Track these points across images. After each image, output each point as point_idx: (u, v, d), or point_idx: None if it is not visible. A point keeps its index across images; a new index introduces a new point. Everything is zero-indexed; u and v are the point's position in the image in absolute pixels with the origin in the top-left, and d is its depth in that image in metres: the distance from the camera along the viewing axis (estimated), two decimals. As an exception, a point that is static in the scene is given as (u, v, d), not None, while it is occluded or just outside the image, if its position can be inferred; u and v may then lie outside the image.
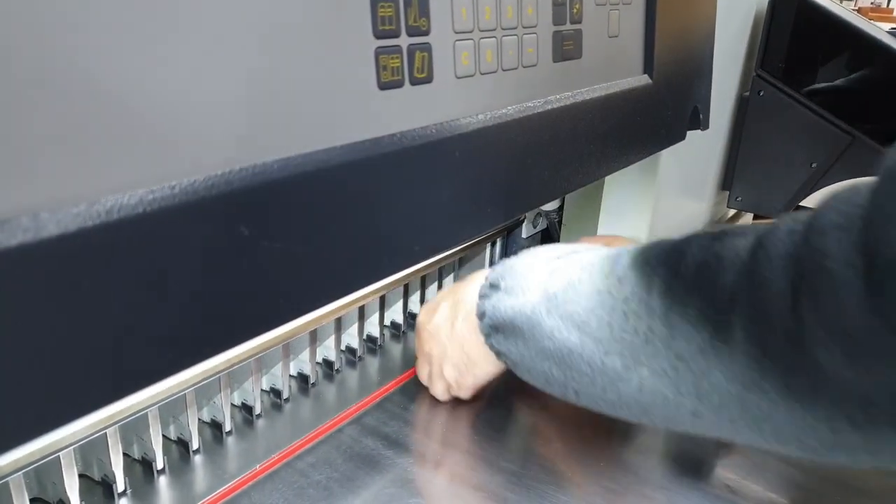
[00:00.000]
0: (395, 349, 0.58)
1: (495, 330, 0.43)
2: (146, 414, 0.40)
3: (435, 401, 0.50)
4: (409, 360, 0.56)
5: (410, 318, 0.60)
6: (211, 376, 0.41)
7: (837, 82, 0.76)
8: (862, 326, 0.25)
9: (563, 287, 0.39)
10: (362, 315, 0.55)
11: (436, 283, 0.62)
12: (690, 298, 0.32)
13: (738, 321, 0.30)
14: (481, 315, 0.44)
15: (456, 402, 0.51)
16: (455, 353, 0.47)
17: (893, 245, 0.23)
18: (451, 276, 0.64)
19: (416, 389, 0.52)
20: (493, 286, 0.44)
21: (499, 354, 0.44)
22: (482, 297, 0.44)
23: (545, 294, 0.39)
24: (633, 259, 0.36)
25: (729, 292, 0.30)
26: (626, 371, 0.35)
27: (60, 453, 0.35)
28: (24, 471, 0.33)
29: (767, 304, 0.29)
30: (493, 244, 0.64)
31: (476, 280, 0.47)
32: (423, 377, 0.51)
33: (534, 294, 0.40)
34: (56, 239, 0.19)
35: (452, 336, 0.47)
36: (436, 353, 0.49)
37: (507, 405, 0.50)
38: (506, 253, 0.64)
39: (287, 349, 0.49)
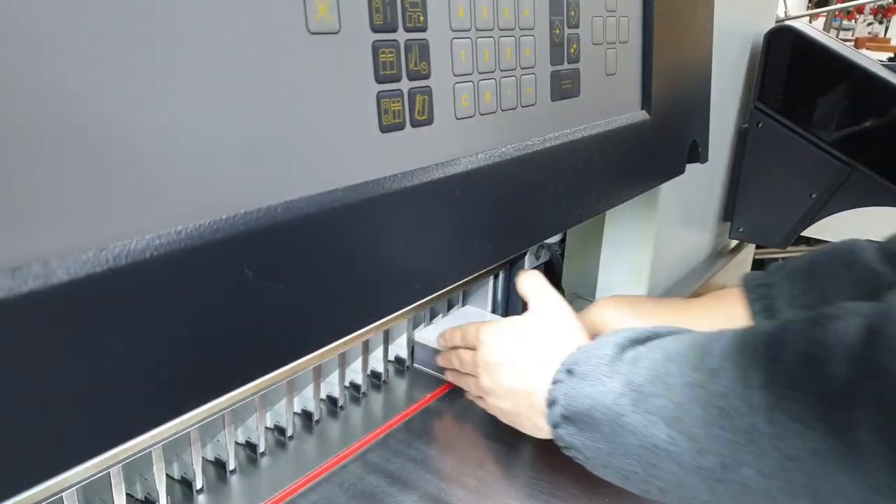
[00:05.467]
0: (400, 385, 0.58)
1: (567, 420, 0.39)
2: (149, 453, 0.40)
3: (439, 438, 0.50)
4: (413, 396, 0.56)
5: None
6: (214, 414, 0.41)
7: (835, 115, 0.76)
8: None
9: (648, 379, 0.36)
10: (366, 350, 0.55)
11: (440, 316, 0.62)
12: (797, 393, 0.29)
13: (862, 420, 0.27)
14: (551, 402, 0.40)
15: (459, 439, 0.50)
16: (507, 407, 0.46)
17: None
18: (457, 307, 0.64)
19: (420, 426, 0.52)
20: (570, 372, 0.40)
21: (567, 448, 0.40)
22: (556, 382, 0.41)
23: (629, 385, 0.37)
24: (724, 350, 0.34)
25: (844, 386, 0.28)
26: (725, 471, 0.32)
27: (63, 494, 0.35)
28: (27, 512, 0.33)
29: None
30: (496, 276, 0.64)
31: (545, 353, 0.43)
32: (459, 381, 0.53)
33: (614, 383, 0.37)
34: (66, 285, 0.20)
35: (515, 400, 0.45)
36: (487, 386, 0.47)
37: (510, 441, 0.50)
38: (508, 285, 0.65)
39: (291, 386, 0.49)
